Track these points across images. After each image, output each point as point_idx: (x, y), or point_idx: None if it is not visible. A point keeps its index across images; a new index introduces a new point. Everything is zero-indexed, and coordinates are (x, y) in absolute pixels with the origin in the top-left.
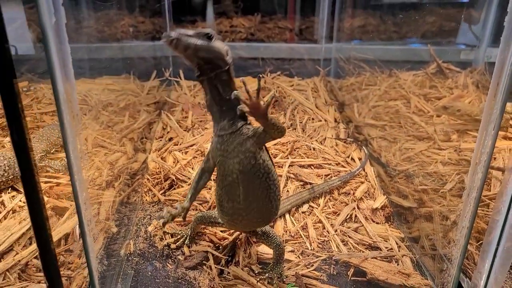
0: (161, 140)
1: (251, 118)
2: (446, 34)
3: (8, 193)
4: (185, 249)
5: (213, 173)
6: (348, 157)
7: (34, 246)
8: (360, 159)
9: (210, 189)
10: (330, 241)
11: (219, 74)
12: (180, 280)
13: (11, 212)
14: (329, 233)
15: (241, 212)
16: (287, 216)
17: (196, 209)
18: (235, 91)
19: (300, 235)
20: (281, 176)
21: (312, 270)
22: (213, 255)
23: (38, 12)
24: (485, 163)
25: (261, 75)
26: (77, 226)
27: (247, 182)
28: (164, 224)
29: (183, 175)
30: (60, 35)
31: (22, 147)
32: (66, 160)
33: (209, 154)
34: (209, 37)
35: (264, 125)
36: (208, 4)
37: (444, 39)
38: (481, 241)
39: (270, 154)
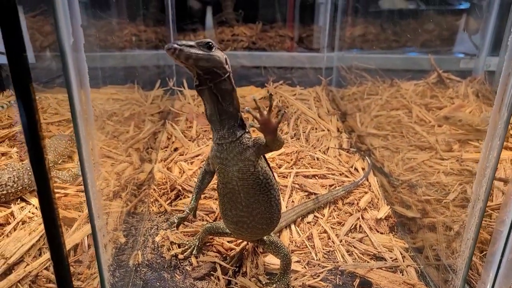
0: (166, 150)
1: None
2: (445, 43)
3: (18, 203)
4: (193, 259)
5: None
6: (352, 167)
7: (44, 257)
8: (363, 169)
9: (216, 199)
10: (336, 251)
11: (219, 83)
12: None
13: (20, 223)
14: (334, 243)
15: (245, 219)
16: (292, 226)
17: (203, 220)
18: (246, 107)
19: (306, 245)
20: (286, 186)
21: (319, 281)
22: (220, 265)
23: (57, 33)
24: (490, 176)
25: (271, 93)
26: (86, 237)
27: (248, 189)
28: (177, 225)
29: (189, 186)
30: (78, 56)
31: (38, 157)
32: (77, 170)
33: (209, 160)
34: (209, 47)
35: (270, 140)
36: (208, 13)
37: (444, 48)
38: (484, 252)
39: (268, 160)
